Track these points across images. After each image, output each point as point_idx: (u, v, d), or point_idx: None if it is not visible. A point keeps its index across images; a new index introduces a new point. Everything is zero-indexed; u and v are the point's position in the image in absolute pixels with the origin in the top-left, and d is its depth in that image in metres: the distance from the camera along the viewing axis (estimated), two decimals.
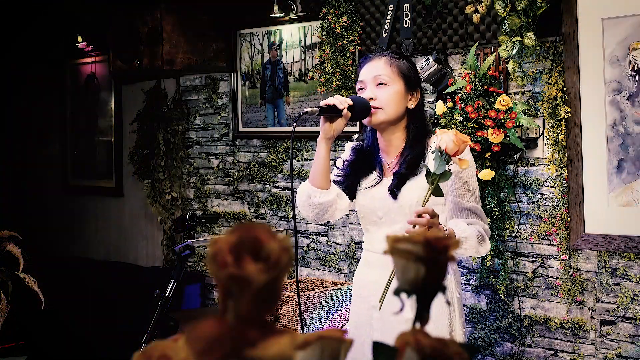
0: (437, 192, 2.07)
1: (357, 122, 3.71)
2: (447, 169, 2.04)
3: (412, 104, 2.36)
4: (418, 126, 2.36)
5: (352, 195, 2.43)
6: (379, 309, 2.10)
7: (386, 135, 2.38)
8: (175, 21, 4.24)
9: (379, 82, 2.33)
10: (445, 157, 2.04)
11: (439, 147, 2.04)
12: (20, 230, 2.97)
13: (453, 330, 2.28)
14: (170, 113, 4.78)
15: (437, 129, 2.18)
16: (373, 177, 2.39)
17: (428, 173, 2.06)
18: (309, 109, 2.27)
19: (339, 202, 2.40)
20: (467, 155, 2.28)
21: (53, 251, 5.74)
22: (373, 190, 2.36)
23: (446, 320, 2.26)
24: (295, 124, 2.29)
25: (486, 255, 3.13)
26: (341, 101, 2.27)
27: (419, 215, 2.07)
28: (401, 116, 2.36)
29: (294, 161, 4.16)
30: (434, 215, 2.07)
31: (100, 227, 5.55)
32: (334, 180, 2.44)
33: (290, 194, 2.36)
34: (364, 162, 2.43)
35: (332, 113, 2.29)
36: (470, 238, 2.21)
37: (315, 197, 2.35)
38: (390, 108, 2.32)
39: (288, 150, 4.19)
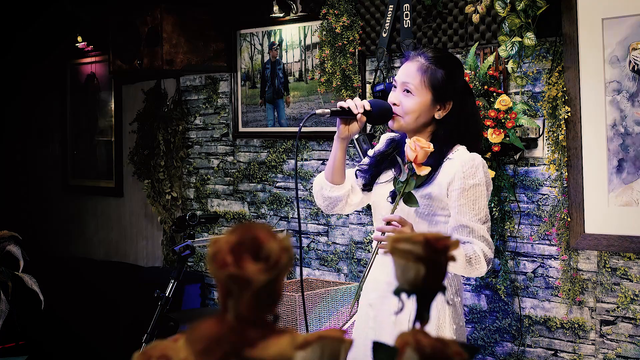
0: (410, 201, 2.06)
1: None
2: (411, 177, 2.03)
3: (439, 114, 2.27)
4: (443, 137, 2.26)
5: (370, 187, 2.40)
6: (350, 311, 2.13)
7: (411, 137, 2.31)
8: (175, 21, 4.24)
9: (406, 89, 2.26)
10: (408, 164, 2.03)
11: (406, 155, 2.05)
12: (20, 230, 2.96)
13: (441, 333, 2.26)
14: (170, 113, 4.78)
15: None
16: (391, 173, 2.35)
17: (395, 180, 2.07)
18: (319, 110, 2.22)
19: (351, 197, 2.39)
20: (478, 172, 2.20)
21: (53, 251, 5.74)
22: (385, 187, 2.33)
23: (433, 326, 2.24)
24: (301, 124, 2.27)
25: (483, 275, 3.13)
26: (358, 105, 2.23)
27: (388, 223, 2.07)
28: (424, 125, 2.28)
29: (294, 161, 4.16)
30: (403, 223, 2.08)
31: (100, 227, 5.55)
32: (357, 170, 2.43)
33: (296, 194, 2.33)
34: (391, 155, 2.39)
35: (345, 116, 2.24)
36: (457, 256, 2.16)
37: (326, 190, 2.37)
38: (411, 118, 2.25)
39: (288, 150, 4.19)
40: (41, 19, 5.52)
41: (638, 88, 2.89)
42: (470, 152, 2.26)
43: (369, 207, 2.56)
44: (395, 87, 2.31)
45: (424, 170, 2.03)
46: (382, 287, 2.27)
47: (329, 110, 2.23)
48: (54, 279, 4.26)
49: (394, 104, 2.27)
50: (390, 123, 2.30)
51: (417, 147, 2.01)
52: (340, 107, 2.25)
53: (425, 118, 2.27)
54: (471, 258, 2.15)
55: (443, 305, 2.25)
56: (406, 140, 2.09)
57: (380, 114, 2.27)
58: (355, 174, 2.43)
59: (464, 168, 2.20)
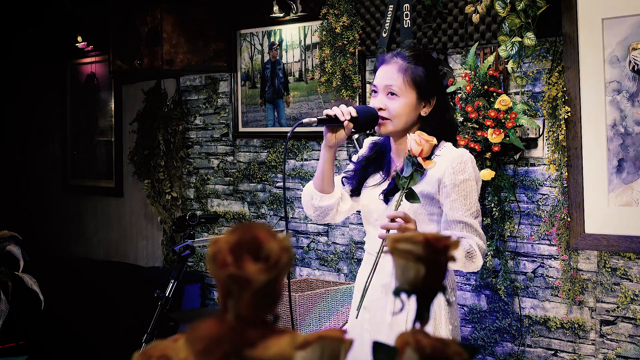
0: (412, 197, 2.05)
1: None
2: (415, 171, 2.02)
3: (425, 111, 2.30)
4: (430, 132, 2.24)
5: (357, 192, 2.41)
6: (356, 317, 2.12)
7: (396, 139, 2.34)
8: (175, 21, 4.24)
9: (390, 92, 2.27)
10: (411, 159, 2.03)
11: (408, 150, 2.04)
12: (20, 230, 2.97)
13: (438, 333, 2.26)
14: (170, 113, 4.79)
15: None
16: (378, 177, 2.37)
17: (398, 177, 2.06)
18: (306, 120, 2.22)
19: (341, 205, 2.39)
20: (468, 167, 2.23)
21: (53, 251, 5.74)
22: (374, 190, 2.35)
23: (429, 327, 2.23)
24: (289, 135, 2.27)
25: (486, 255, 3.13)
26: (344, 112, 2.22)
27: (392, 220, 2.06)
28: (412, 124, 2.30)
29: (294, 161, 4.17)
30: (407, 219, 2.06)
31: (100, 227, 5.56)
32: (344, 177, 2.43)
33: (285, 195, 2.33)
34: (376, 159, 2.41)
35: (332, 124, 2.24)
36: (458, 252, 2.17)
37: (317, 200, 2.36)
38: (400, 120, 2.27)
39: (288, 150, 4.19)
40: (41, 19, 5.52)
41: (638, 88, 2.89)
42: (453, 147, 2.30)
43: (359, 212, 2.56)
44: (375, 92, 2.31)
45: (431, 164, 2.03)
46: (377, 289, 2.27)
47: (315, 119, 2.23)
48: (54, 279, 4.26)
49: (380, 109, 2.27)
50: (377, 129, 2.30)
51: (422, 140, 2.00)
52: (327, 115, 2.24)
53: (413, 117, 2.29)
54: (469, 253, 2.17)
55: (439, 306, 2.24)
56: (408, 135, 2.08)
57: (367, 120, 2.27)
58: (342, 181, 2.43)
59: (454, 164, 2.22)
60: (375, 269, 2.14)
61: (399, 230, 2.04)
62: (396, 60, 2.30)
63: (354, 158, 2.47)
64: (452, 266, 2.20)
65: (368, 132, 3.61)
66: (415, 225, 2.09)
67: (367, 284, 2.12)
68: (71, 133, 5.78)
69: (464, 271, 2.43)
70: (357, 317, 2.14)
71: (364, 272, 2.42)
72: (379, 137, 2.46)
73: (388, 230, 2.09)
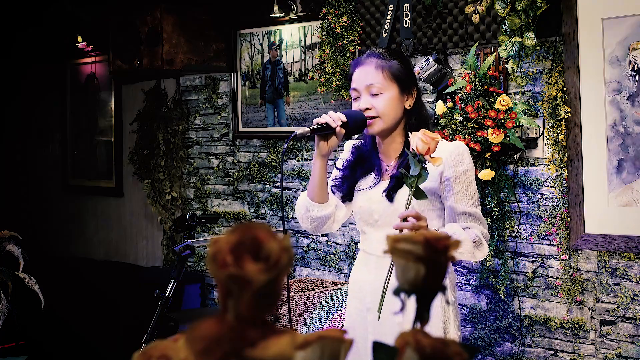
0: (419, 195, 2.05)
1: None
2: (423, 169, 2.02)
3: (409, 104, 2.33)
4: (416, 124, 2.30)
5: (350, 197, 2.42)
6: (378, 319, 2.10)
7: (383, 139, 2.35)
8: (175, 21, 4.24)
9: (372, 92, 2.29)
10: (418, 157, 2.03)
11: (412, 149, 2.04)
12: (20, 230, 2.96)
13: (447, 333, 2.27)
14: (170, 113, 4.79)
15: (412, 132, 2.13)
16: (371, 178, 2.37)
17: (405, 176, 2.06)
18: (299, 131, 2.22)
19: (337, 213, 2.39)
20: (465, 157, 2.27)
21: (53, 251, 5.74)
22: (370, 192, 2.35)
23: (440, 323, 2.25)
24: (285, 147, 2.28)
25: (486, 255, 3.13)
26: (334, 118, 2.22)
27: (404, 219, 2.06)
28: (399, 119, 2.32)
29: (293, 161, 4.17)
30: (419, 217, 2.06)
31: (100, 227, 5.56)
32: (332, 185, 2.43)
33: (281, 196, 2.33)
34: (363, 162, 2.41)
35: (324, 132, 2.24)
36: (465, 242, 2.17)
37: (313, 211, 2.35)
38: (388, 116, 2.29)
39: (288, 151, 4.19)
40: (41, 19, 5.52)
41: (638, 88, 2.89)
42: None
43: None
44: (357, 97, 2.32)
45: (439, 161, 2.03)
46: (380, 290, 2.27)
47: (308, 129, 2.23)
48: (54, 279, 4.26)
49: (367, 109, 2.28)
50: (366, 130, 2.31)
51: (427, 138, 2.01)
52: (318, 124, 2.24)
53: (399, 111, 2.31)
54: (475, 242, 2.21)
55: (447, 307, 2.26)
56: (410, 135, 2.08)
57: (357, 123, 2.27)
58: (331, 189, 2.42)
59: (452, 156, 2.25)
60: (390, 274, 2.11)
61: (412, 229, 2.03)
62: (371, 60, 2.32)
63: (338, 164, 2.47)
64: (461, 257, 2.24)
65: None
66: (426, 222, 2.08)
67: (385, 286, 2.09)
68: (71, 133, 5.78)
69: (472, 260, 2.46)
70: (378, 319, 2.11)
71: (359, 271, 2.42)
72: (359, 141, 2.47)
73: (401, 231, 2.07)
